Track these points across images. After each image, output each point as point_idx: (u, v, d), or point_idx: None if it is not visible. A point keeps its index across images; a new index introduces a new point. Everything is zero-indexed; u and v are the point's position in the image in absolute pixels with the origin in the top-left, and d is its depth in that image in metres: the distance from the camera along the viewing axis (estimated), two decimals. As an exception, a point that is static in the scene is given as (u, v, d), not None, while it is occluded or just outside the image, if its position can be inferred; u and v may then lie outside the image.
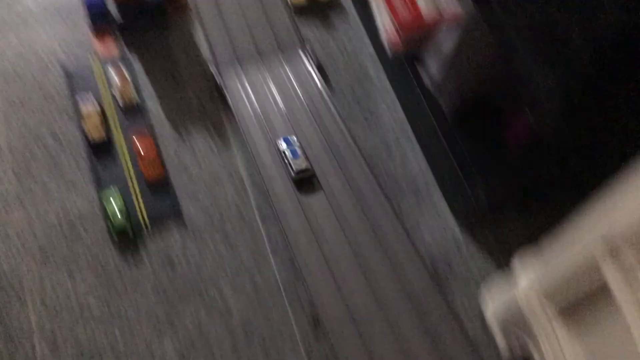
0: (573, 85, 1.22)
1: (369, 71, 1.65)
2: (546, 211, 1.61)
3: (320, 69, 1.63)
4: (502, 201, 1.85)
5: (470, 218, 1.75)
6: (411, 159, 1.64)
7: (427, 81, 1.62)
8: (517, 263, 2.00)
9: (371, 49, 1.68)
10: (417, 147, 1.63)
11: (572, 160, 1.99)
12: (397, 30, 1.57)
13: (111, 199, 1.46)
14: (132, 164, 1.51)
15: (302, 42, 1.61)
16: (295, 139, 1.80)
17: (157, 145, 1.48)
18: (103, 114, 1.47)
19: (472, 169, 1.76)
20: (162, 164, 1.49)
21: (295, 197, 1.75)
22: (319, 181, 1.73)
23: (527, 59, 1.16)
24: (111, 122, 1.47)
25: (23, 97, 1.52)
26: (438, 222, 1.73)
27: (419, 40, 1.59)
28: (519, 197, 1.85)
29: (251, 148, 1.59)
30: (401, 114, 1.62)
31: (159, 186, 1.50)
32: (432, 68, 1.59)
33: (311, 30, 1.63)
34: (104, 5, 1.55)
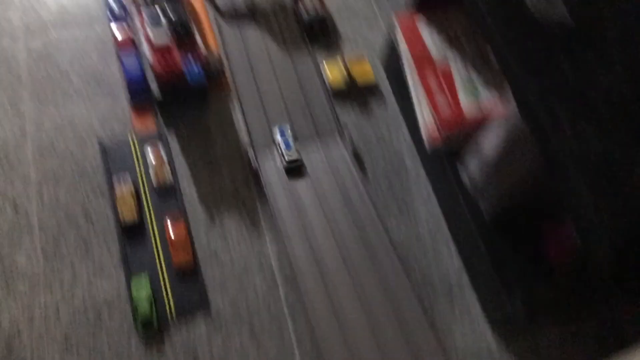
0: (630, 223, 1.19)
1: (405, 161, 1.62)
2: (592, 323, 1.53)
3: (356, 156, 1.61)
4: (542, 312, 1.77)
5: (506, 327, 1.67)
6: (445, 257, 1.59)
7: (466, 180, 1.58)
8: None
9: (408, 138, 1.65)
10: (453, 245, 1.57)
11: (625, 277, 1.92)
12: (437, 126, 1.55)
13: (139, 286, 1.41)
14: (163, 249, 1.48)
15: (340, 128, 1.59)
16: (327, 223, 1.76)
17: (188, 230, 1.45)
18: (137, 195, 1.44)
19: (510, 276, 1.69)
20: (193, 250, 1.45)
21: (325, 291, 1.70)
22: (348, 270, 1.69)
23: (576, 182, 1.13)
24: (144, 203, 1.44)
25: (58, 173, 1.51)
26: (471, 328, 1.65)
27: (459, 138, 1.57)
28: (561, 308, 1.76)
29: (284, 238, 1.55)
30: (437, 209, 1.57)
31: (188, 273, 1.46)
32: (472, 167, 1.55)
33: (348, 115, 1.61)
34: (145, 82, 1.55)
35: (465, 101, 1.59)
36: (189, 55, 1.54)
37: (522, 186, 1.53)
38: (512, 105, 1.41)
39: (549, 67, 1.26)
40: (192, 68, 1.52)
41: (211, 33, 1.77)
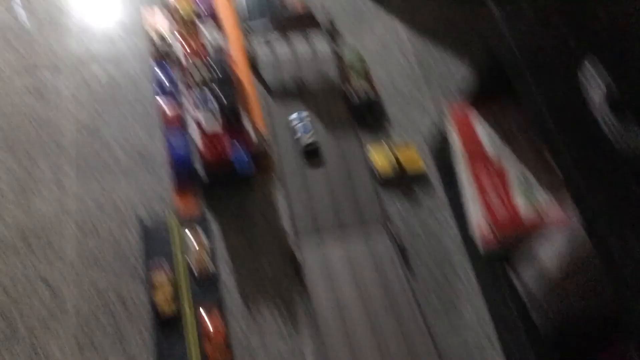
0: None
1: (453, 258, 1.55)
2: None
3: (402, 249, 1.54)
4: None
5: None
6: (493, 368, 1.52)
7: (519, 288, 1.50)
8: None
9: (456, 232, 1.59)
10: (502, 357, 1.48)
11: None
12: (490, 227, 1.49)
13: (172, 386, 1.37)
14: (199, 343, 1.42)
15: (385, 218, 1.53)
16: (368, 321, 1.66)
17: (225, 323, 1.39)
18: (175, 285, 1.40)
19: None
20: (229, 347, 1.39)
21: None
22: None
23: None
24: (183, 293, 1.39)
25: (97, 255, 1.47)
26: None
27: (513, 241, 1.50)
28: None
29: (322, 336, 1.48)
30: (486, 314, 1.49)
31: (222, 372, 1.42)
32: (527, 276, 1.47)
33: (394, 204, 1.56)
34: (190, 163, 1.52)
35: (520, 203, 1.52)
36: (238, 143, 1.50)
37: (584, 306, 1.44)
38: (574, 215, 1.34)
39: (618, 187, 1.19)
40: (240, 157, 1.49)
41: (258, 111, 1.74)
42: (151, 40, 1.78)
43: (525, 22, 1.35)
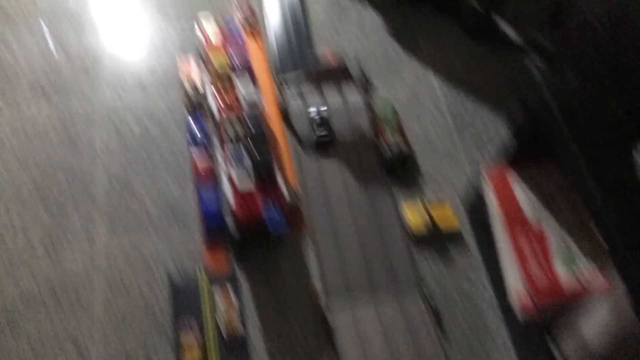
0: None
1: (488, 323, 1.50)
2: None
3: (435, 311, 1.50)
4: None
5: None
6: None
7: (559, 360, 1.45)
8: None
9: (492, 295, 1.54)
10: None
11: None
12: (529, 294, 1.44)
13: None
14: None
15: (418, 279, 1.49)
16: None
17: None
18: (204, 347, 1.37)
19: None
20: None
21: None
22: None
23: None
24: (212, 357, 1.36)
25: (125, 312, 1.45)
26: None
27: (554, 310, 1.45)
28: None
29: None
30: (525, 386, 1.45)
31: None
32: (568, 348, 1.42)
33: (428, 264, 1.53)
34: (221, 219, 1.50)
35: (561, 270, 1.46)
36: (271, 201, 1.48)
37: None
38: (618, 285, 1.29)
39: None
40: (273, 217, 1.46)
41: (290, 165, 1.72)
42: (184, 89, 1.78)
43: (571, 92, 1.32)
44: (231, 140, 1.55)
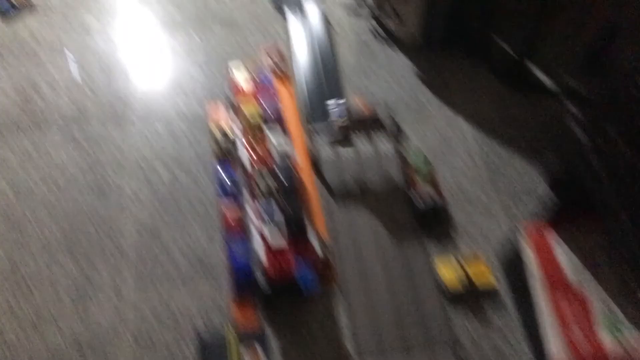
0: None
1: (526, 387, 1.47)
2: None
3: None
4: None
5: None
6: None
7: None
8: None
9: (531, 357, 1.49)
10: None
11: None
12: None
13: None
14: None
15: (454, 339, 1.44)
16: None
17: None
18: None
19: None
20: None
21: None
22: None
23: None
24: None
25: (152, 371, 1.46)
26: None
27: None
28: None
29: None
30: None
31: None
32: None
33: (463, 322, 1.48)
34: (251, 272, 1.47)
35: (605, 336, 1.40)
36: (303, 259, 1.44)
37: None
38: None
39: None
40: (305, 274, 1.42)
41: (321, 217, 1.68)
42: (214, 137, 1.76)
43: (612, 145, 1.27)
44: (263, 194, 1.52)
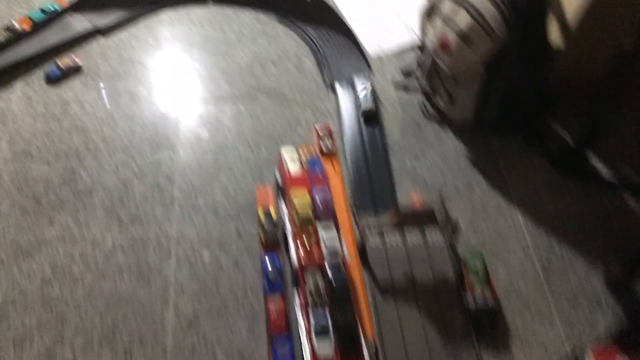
0: None
1: None
2: None
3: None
4: None
5: None
6: None
7: None
8: None
9: None
10: None
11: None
12: None
13: None
14: None
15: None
16: None
17: None
18: None
19: None
20: None
21: None
22: None
23: None
24: None
25: None
26: None
27: None
28: None
29: None
30: None
31: None
32: None
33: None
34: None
35: None
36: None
37: None
38: None
39: None
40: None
41: (368, 316, 1.59)
42: (260, 223, 1.69)
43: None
44: (311, 294, 1.44)
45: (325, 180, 1.69)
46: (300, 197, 1.62)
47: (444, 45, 1.90)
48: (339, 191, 1.81)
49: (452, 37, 1.85)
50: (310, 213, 1.59)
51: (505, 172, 1.98)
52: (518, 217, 1.89)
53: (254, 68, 2.21)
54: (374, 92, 2.15)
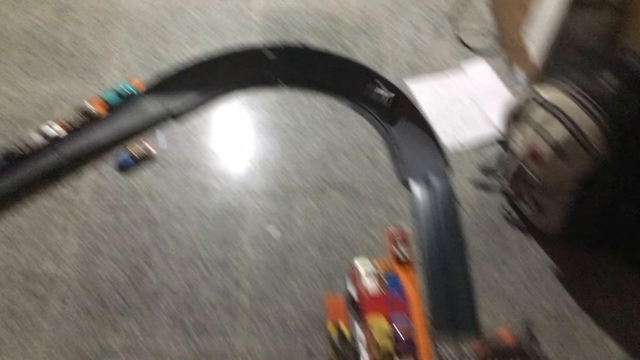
0: None
1: None
2: None
3: None
4: None
5: None
6: None
7: None
8: None
9: None
10: None
11: None
12: None
13: None
14: None
15: None
16: None
17: None
18: None
19: None
20: None
21: None
22: None
23: None
24: None
25: None
26: None
27: None
28: None
29: None
30: None
31: None
32: None
33: None
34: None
35: None
36: None
37: None
38: None
39: None
40: None
41: None
42: (331, 340, 1.57)
43: None
44: None
45: (405, 305, 1.56)
46: (379, 326, 1.50)
47: (534, 156, 1.77)
48: (417, 309, 1.68)
49: (544, 149, 1.72)
50: (391, 346, 1.46)
51: (597, 292, 1.82)
52: (612, 349, 1.70)
53: (325, 158, 2.13)
54: (451, 192, 2.02)
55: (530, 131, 1.80)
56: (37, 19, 2.51)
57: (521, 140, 1.85)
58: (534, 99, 1.80)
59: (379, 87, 2.30)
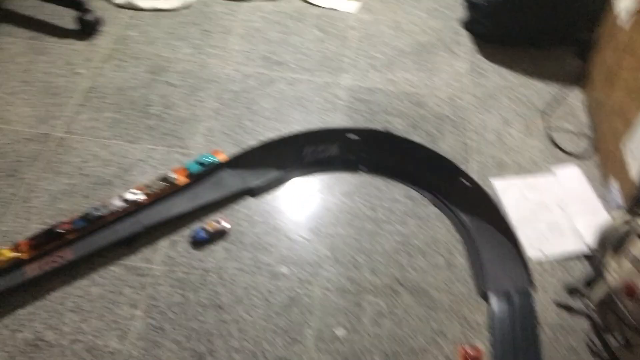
0: None
1: None
2: None
3: None
4: None
5: None
6: None
7: None
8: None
9: None
10: None
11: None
12: None
13: None
14: None
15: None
16: None
17: None
18: None
19: None
20: None
21: None
22: None
23: None
24: None
25: None
26: None
27: None
28: None
29: None
30: None
31: None
32: None
33: None
34: None
35: None
36: None
37: None
38: None
39: None
40: None
41: None
42: None
43: None
44: None
45: None
46: None
47: (630, 292, 1.63)
48: None
49: (643, 288, 1.57)
50: None
51: None
52: None
53: (399, 255, 2.04)
54: (533, 313, 1.88)
55: (627, 265, 1.67)
56: (132, 78, 2.57)
57: (616, 271, 1.71)
58: (635, 231, 1.67)
59: (464, 183, 2.22)
